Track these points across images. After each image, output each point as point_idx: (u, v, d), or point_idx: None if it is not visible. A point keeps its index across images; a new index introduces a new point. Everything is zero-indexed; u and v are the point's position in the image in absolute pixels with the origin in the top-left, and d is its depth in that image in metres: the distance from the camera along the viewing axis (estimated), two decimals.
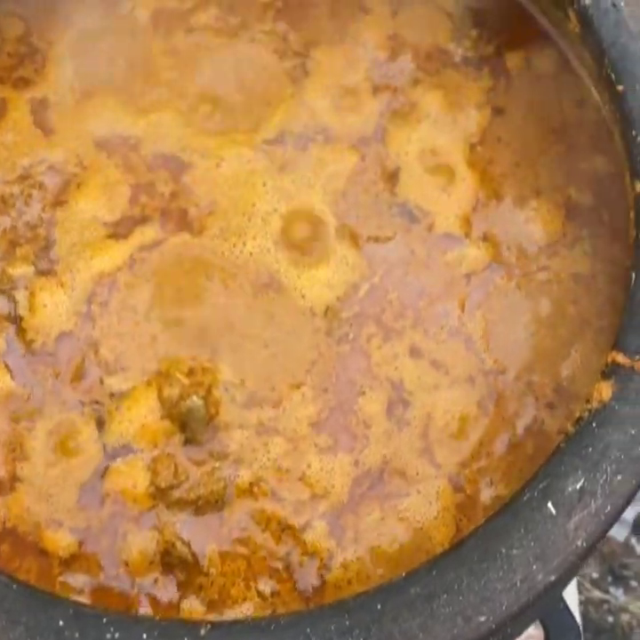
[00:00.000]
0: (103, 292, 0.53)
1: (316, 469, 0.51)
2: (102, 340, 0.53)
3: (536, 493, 0.44)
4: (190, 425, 0.52)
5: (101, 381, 0.52)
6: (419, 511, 0.50)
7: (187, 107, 0.57)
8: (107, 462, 0.51)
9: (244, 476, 0.51)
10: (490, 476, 0.51)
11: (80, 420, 0.51)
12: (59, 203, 0.55)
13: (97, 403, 0.52)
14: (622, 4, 0.49)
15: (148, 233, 0.55)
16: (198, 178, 0.56)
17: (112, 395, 0.51)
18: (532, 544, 0.43)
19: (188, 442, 0.51)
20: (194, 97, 0.58)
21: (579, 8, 0.50)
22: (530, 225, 0.55)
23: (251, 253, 0.54)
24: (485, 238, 0.54)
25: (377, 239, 0.54)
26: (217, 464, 0.51)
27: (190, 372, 0.52)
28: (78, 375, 0.52)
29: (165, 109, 0.57)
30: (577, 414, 0.48)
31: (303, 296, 0.53)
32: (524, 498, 0.44)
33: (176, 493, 0.51)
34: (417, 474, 0.51)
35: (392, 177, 0.55)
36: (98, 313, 0.53)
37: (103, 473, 0.50)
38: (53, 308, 0.53)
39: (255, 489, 0.50)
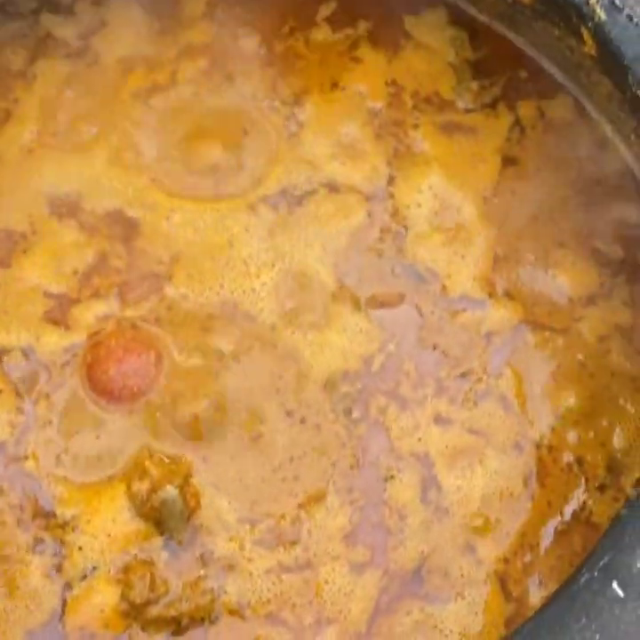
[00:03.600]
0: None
1: (333, 590, 0.42)
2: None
3: (596, 573, 0.35)
4: (167, 522, 0.43)
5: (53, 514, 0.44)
6: (461, 624, 0.42)
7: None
8: (65, 593, 0.43)
9: (234, 589, 0.43)
10: (537, 574, 0.43)
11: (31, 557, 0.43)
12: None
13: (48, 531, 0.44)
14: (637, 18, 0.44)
15: None
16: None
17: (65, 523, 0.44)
18: (598, 636, 0.34)
19: (169, 540, 0.43)
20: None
21: (593, 26, 0.45)
22: (557, 279, 0.48)
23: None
24: (510, 297, 0.48)
25: (383, 303, 0.48)
26: (202, 571, 0.42)
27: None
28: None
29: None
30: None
31: (311, 366, 0.47)
32: (582, 579, 0.35)
33: (153, 610, 0.42)
34: (462, 575, 0.43)
35: (398, 234, 0.49)
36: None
37: (62, 608, 0.42)
38: None
39: (247, 612, 0.42)
